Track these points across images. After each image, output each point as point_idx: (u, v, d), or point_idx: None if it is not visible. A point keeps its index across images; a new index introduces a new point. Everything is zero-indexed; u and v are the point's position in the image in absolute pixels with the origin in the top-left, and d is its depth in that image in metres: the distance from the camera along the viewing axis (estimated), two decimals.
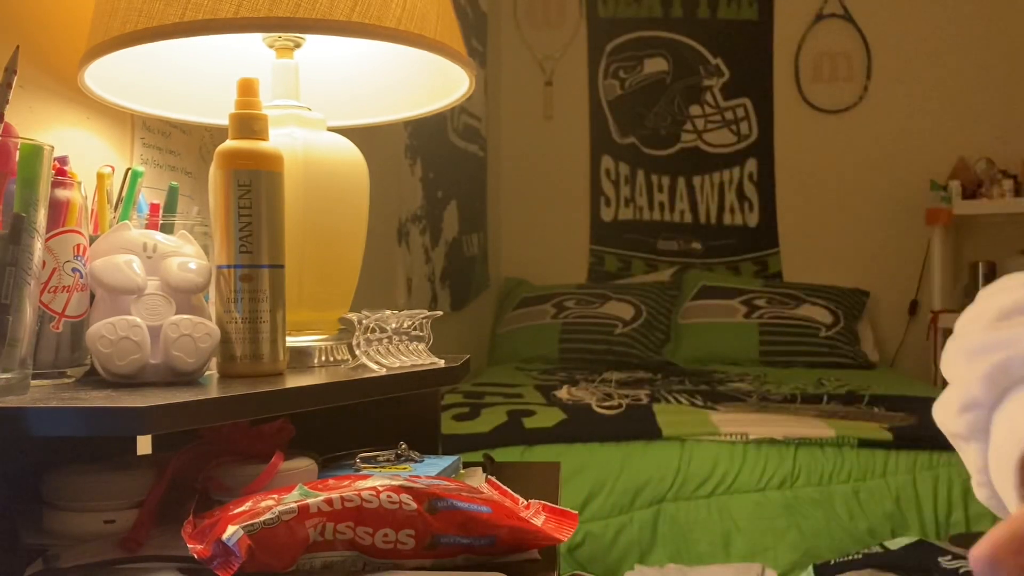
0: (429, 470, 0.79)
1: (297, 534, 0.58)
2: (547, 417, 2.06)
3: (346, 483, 0.63)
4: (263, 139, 0.77)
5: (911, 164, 3.54)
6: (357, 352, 0.82)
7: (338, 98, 1.07)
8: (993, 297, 0.50)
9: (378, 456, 0.84)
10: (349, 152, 0.92)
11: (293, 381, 0.73)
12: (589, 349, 3.18)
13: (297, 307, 0.86)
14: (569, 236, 3.80)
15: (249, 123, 0.76)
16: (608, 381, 2.64)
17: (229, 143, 0.76)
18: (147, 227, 0.85)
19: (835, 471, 1.88)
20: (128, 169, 0.87)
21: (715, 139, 3.74)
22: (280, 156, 0.77)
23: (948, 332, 3.34)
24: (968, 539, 1.74)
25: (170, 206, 0.90)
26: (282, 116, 0.90)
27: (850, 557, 1.71)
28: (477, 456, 1.07)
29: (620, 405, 2.17)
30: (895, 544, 1.73)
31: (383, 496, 0.61)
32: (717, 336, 3.28)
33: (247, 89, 0.77)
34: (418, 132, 2.56)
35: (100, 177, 0.84)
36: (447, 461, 0.84)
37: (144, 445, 0.94)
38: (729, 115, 3.73)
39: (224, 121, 0.80)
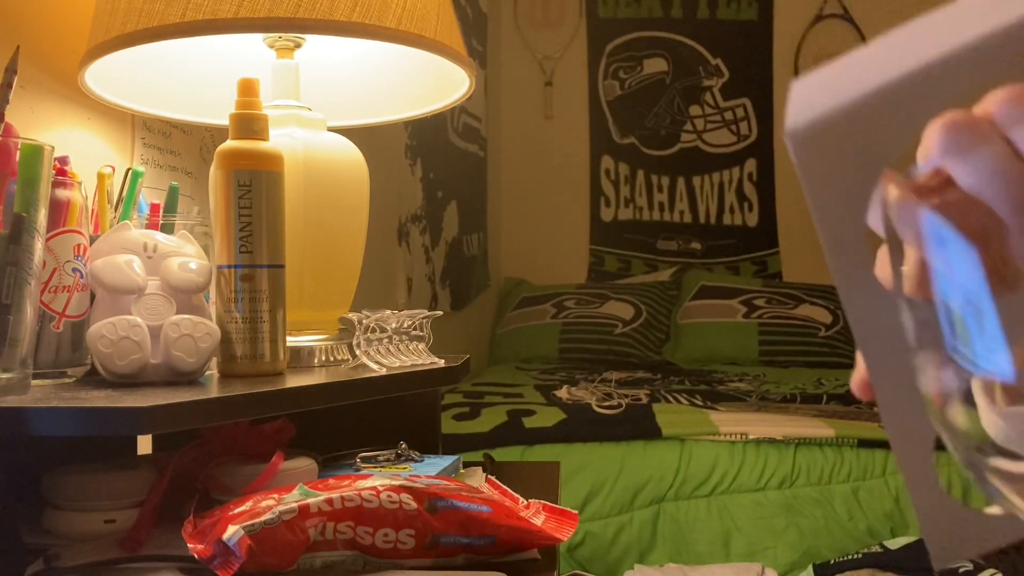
0: (429, 470, 0.79)
1: (297, 534, 0.58)
2: (547, 417, 2.06)
3: (346, 483, 0.63)
4: (263, 139, 0.77)
5: None
6: (357, 352, 0.82)
7: (338, 98, 1.07)
8: None
9: (378, 456, 0.84)
10: (349, 152, 0.93)
11: (293, 381, 0.73)
12: (589, 349, 3.18)
13: (297, 307, 0.86)
14: (569, 236, 3.80)
15: (249, 123, 0.76)
16: (608, 381, 2.64)
17: (229, 143, 0.76)
18: (147, 227, 0.85)
19: (835, 471, 1.88)
20: (128, 169, 0.87)
21: (715, 139, 3.74)
22: (280, 156, 0.77)
23: None
24: None
25: (170, 206, 0.90)
26: (282, 116, 0.90)
27: (850, 557, 1.71)
28: (477, 456, 1.07)
29: (620, 405, 2.16)
30: (895, 544, 1.73)
31: (383, 496, 0.61)
32: (717, 336, 3.28)
33: (247, 89, 0.77)
34: (418, 132, 2.56)
35: (100, 177, 0.84)
36: (447, 461, 0.84)
37: (144, 445, 0.94)
38: (729, 115, 3.73)
39: (224, 121, 0.80)
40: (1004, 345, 0.26)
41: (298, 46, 0.94)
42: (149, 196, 0.92)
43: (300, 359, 0.85)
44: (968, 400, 0.28)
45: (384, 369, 0.81)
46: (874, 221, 0.29)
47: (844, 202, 0.29)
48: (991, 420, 0.29)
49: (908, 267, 0.29)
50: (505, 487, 0.75)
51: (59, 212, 0.71)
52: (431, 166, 2.70)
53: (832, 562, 1.72)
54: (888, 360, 0.30)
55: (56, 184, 0.69)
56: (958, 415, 0.29)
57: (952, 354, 0.27)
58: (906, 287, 0.29)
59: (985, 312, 0.26)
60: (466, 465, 0.93)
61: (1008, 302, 0.26)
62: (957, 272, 0.27)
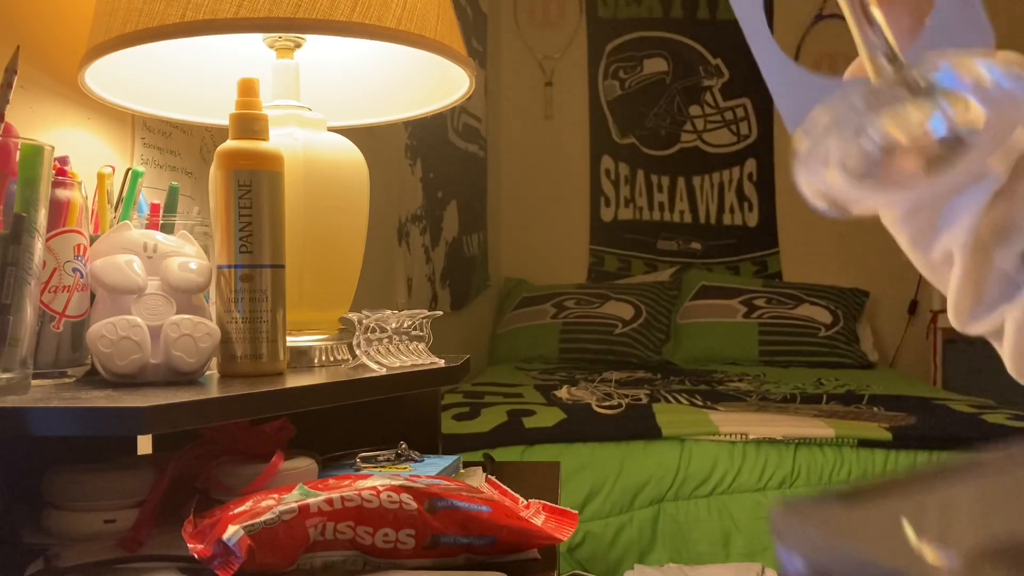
0: (429, 470, 0.79)
1: (297, 534, 0.58)
2: (547, 417, 2.06)
3: (346, 483, 0.63)
4: (263, 139, 0.77)
5: None
6: (357, 352, 0.82)
7: (338, 98, 1.07)
8: None
9: (378, 456, 0.84)
10: (349, 152, 0.93)
11: (293, 381, 0.73)
12: (589, 349, 3.18)
13: (297, 307, 0.86)
14: (569, 236, 3.80)
15: (249, 123, 0.76)
16: (608, 381, 2.64)
17: (229, 143, 0.76)
18: (147, 227, 0.85)
19: (835, 471, 1.88)
20: (128, 169, 0.87)
21: (715, 139, 3.74)
22: (280, 156, 0.77)
23: (947, 332, 3.34)
24: None
25: (170, 206, 0.90)
26: (282, 116, 0.90)
27: None
28: (477, 456, 1.07)
29: (620, 405, 2.16)
30: None
31: (383, 496, 0.61)
32: (717, 336, 3.28)
33: (247, 89, 0.77)
34: (418, 132, 2.56)
35: (100, 177, 0.84)
36: (447, 461, 0.84)
37: (144, 445, 0.94)
38: (729, 115, 3.73)
39: (224, 121, 0.80)
40: None
41: (298, 46, 0.94)
42: (149, 196, 0.92)
43: (300, 359, 0.85)
44: None
45: (384, 369, 0.81)
46: None
47: None
48: None
49: None
50: (505, 487, 0.75)
51: (59, 212, 0.71)
52: (431, 166, 2.70)
53: None
54: None
55: (56, 184, 0.69)
56: None
57: None
58: None
59: None
60: (466, 465, 0.93)
61: None
62: None
